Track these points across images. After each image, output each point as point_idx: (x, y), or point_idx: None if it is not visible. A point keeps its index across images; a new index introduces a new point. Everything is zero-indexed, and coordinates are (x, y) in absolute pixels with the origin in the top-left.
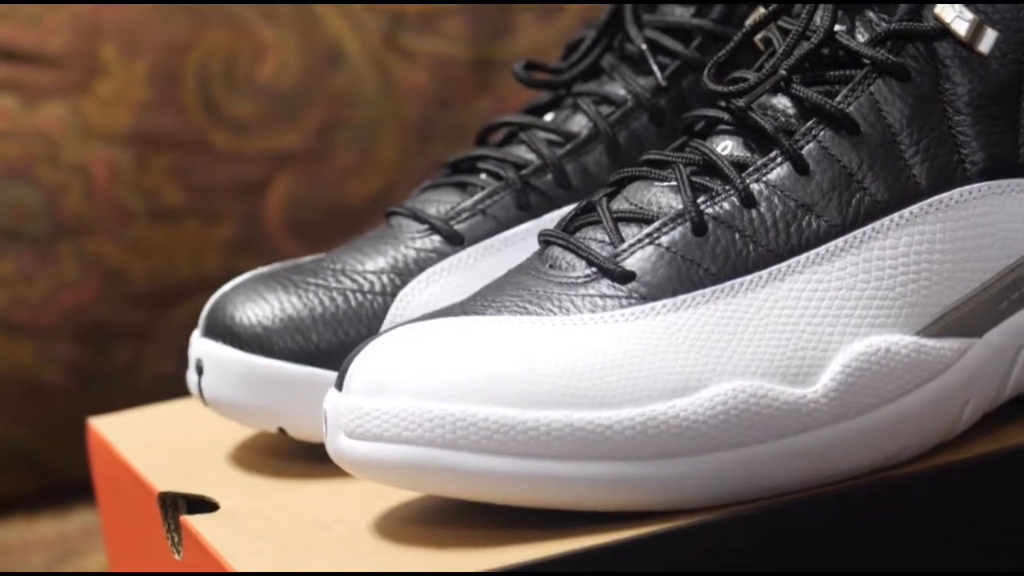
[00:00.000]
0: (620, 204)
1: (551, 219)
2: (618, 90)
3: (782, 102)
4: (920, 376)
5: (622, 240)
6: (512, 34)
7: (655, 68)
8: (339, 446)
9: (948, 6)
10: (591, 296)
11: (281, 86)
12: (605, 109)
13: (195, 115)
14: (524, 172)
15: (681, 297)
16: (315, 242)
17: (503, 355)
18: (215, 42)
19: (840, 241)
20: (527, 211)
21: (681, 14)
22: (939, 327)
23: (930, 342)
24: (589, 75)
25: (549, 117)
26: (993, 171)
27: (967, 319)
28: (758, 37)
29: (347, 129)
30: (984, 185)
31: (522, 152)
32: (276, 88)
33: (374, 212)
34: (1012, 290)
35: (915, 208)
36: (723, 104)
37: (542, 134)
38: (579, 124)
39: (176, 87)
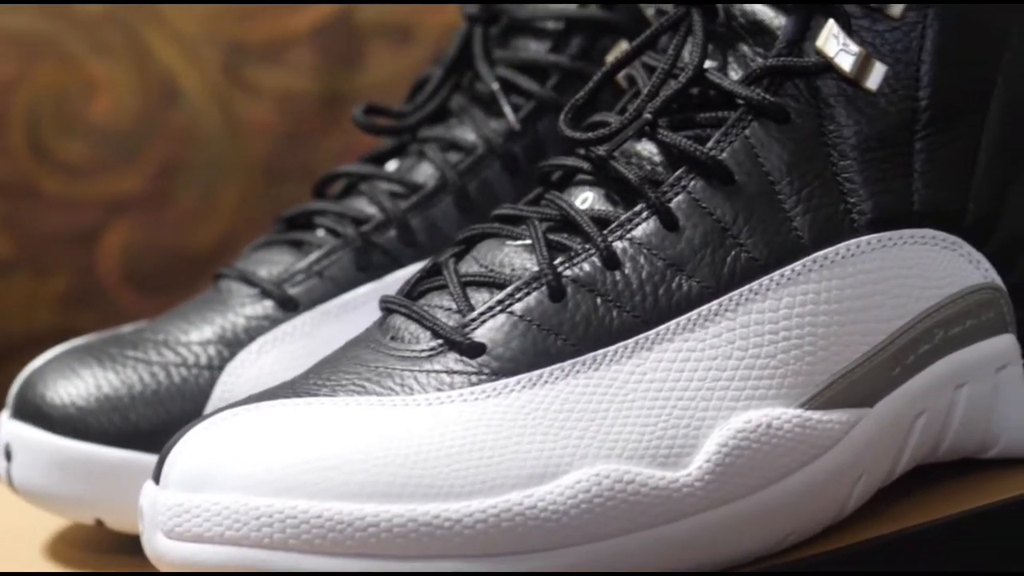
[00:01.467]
0: (469, 266)
1: (395, 280)
2: (467, 135)
3: (647, 149)
4: (806, 453)
5: (471, 308)
6: (363, 65)
7: (508, 110)
8: (156, 547)
9: (831, 38)
10: (437, 372)
11: (115, 126)
12: (453, 156)
13: (23, 159)
14: (365, 228)
15: (538, 372)
16: (155, 293)
17: (338, 442)
18: (43, 79)
19: (714, 305)
20: (368, 272)
21: (536, 50)
22: (826, 398)
23: (816, 415)
24: (436, 118)
25: (392, 166)
26: (884, 221)
27: (857, 388)
28: (620, 75)
29: (187, 171)
30: (874, 237)
31: (363, 206)
32: (110, 128)
33: (218, 259)
34: (906, 353)
35: (797, 265)
36: (582, 152)
37: (385, 185)
38: (425, 174)
39: (1, 129)
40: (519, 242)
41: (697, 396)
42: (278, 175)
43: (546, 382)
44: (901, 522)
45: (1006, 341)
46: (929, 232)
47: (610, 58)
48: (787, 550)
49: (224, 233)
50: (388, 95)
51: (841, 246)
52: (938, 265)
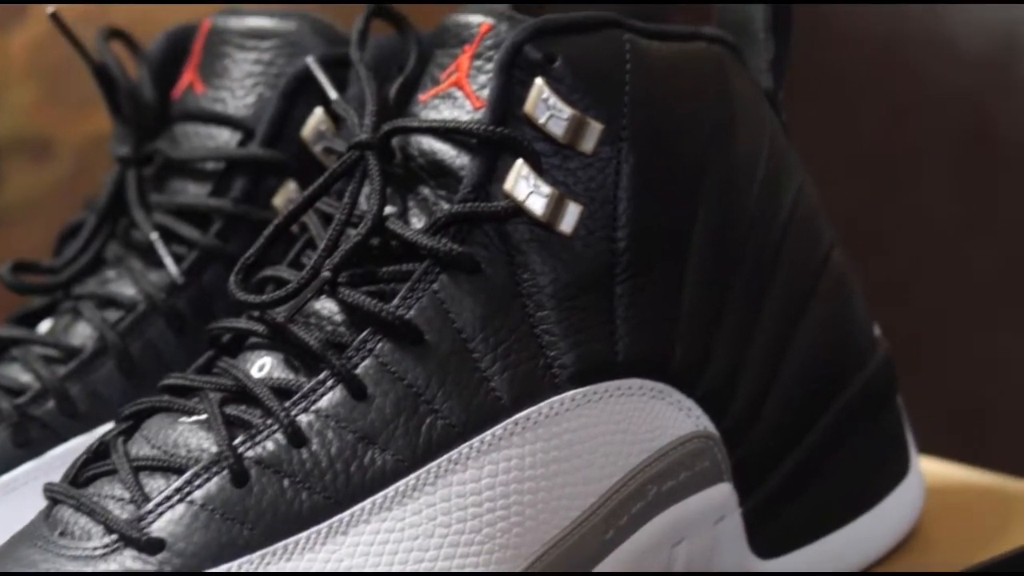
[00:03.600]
0: (140, 447)
1: (58, 457)
2: (126, 289)
3: (328, 307)
4: None
5: (146, 498)
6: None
7: (168, 261)
8: None
9: (520, 180)
10: (114, 574)
11: None
12: (112, 315)
13: None
14: (20, 401)
15: (225, 567)
16: None
17: None
18: None
19: (412, 479)
20: (28, 448)
21: (196, 193)
22: (537, 570)
23: None
24: (91, 271)
25: (46, 327)
26: (587, 374)
27: (569, 556)
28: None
29: None
30: (578, 393)
31: (16, 374)
32: None
33: None
34: (619, 514)
35: (498, 429)
36: (256, 313)
37: (38, 350)
38: (82, 335)
39: None
40: (193, 418)
41: None
42: None
43: None
44: None
45: (722, 491)
46: (636, 382)
47: (278, 200)
48: None
49: None
50: (27, 216)
51: (543, 405)
52: (647, 417)
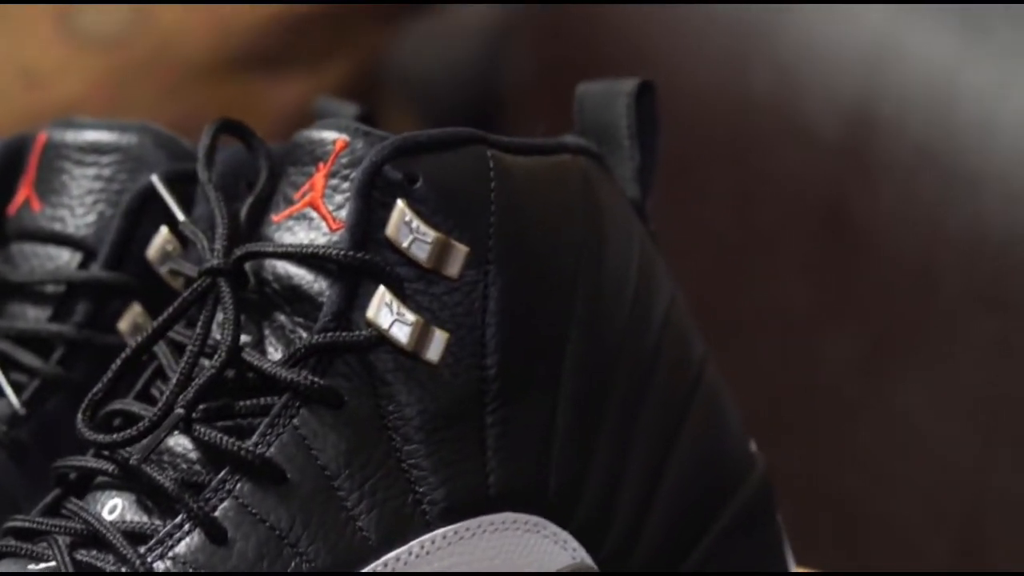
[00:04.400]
0: None
1: None
2: None
3: (183, 445)
4: None
5: None
6: None
7: (9, 391)
8: None
9: (383, 307)
10: None
11: None
12: None
13: None
14: None
15: None
16: None
17: None
18: None
19: None
20: None
21: (36, 318)
22: None
23: None
24: None
25: None
26: (458, 510)
27: None
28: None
29: None
30: (449, 530)
31: None
32: None
33: None
34: None
35: (366, 572)
36: (107, 453)
37: None
38: None
39: None
40: (42, 565)
41: None
42: None
43: None
44: None
45: None
46: (510, 516)
47: (123, 325)
48: None
49: None
50: None
51: (414, 544)
52: (521, 551)
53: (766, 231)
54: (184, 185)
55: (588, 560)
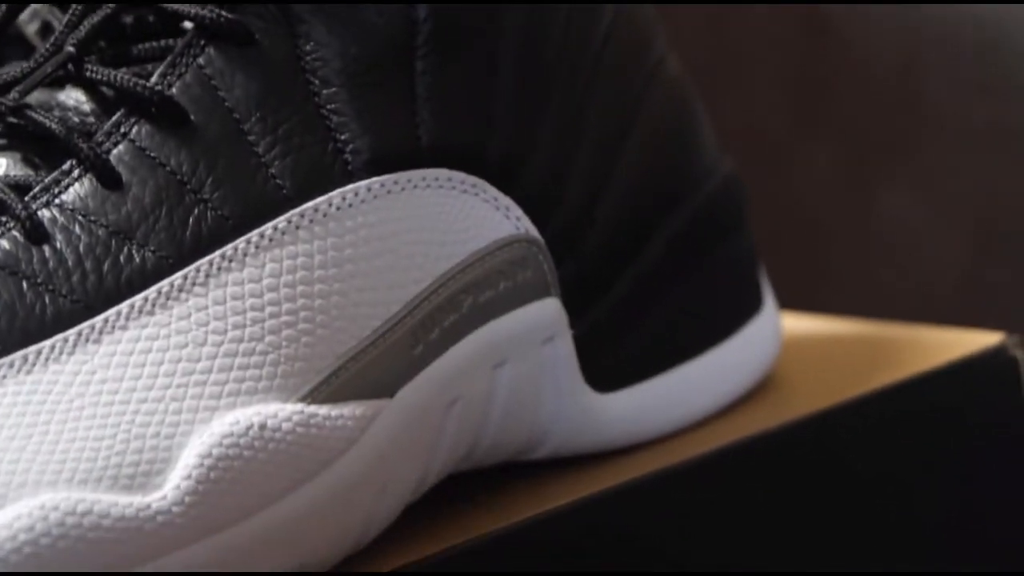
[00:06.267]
0: None
1: None
2: None
3: (74, 97)
4: (313, 460)
5: None
6: None
7: None
8: None
9: None
10: None
11: None
12: None
13: None
14: None
15: None
16: None
17: None
18: None
19: (177, 278)
20: None
21: None
22: (333, 388)
23: (322, 410)
24: None
25: None
26: (385, 162)
27: (371, 374)
28: (32, 27)
29: None
30: (374, 182)
31: None
32: None
33: None
34: (428, 327)
35: (280, 222)
36: None
37: None
38: None
39: None
40: None
41: (165, 396)
42: None
43: None
44: (439, 543)
45: (549, 307)
46: (444, 172)
47: None
48: None
49: None
50: None
51: (334, 195)
52: (458, 214)
53: (739, 46)
54: None
55: (534, 232)
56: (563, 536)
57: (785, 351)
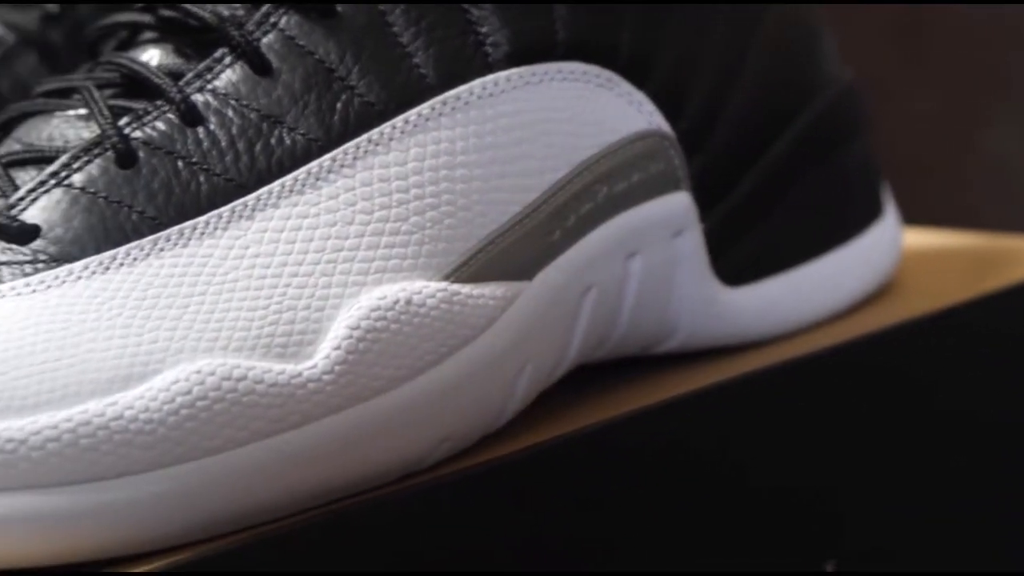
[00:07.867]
0: (10, 147)
1: None
2: None
3: None
4: (456, 336)
5: (15, 187)
6: None
7: None
8: None
9: None
10: None
11: None
12: None
13: None
14: None
15: (110, 253)
16: None
17: None
18: None
19: (326, 160)
20: None
21: None
22: (474, 269)
23: (465, 289)
24: None
25: None
26: (523, 54)
27: (510, 257)
28: None
29: None
30: (513, 73)
31: None
32: None
33: None
34: (565, 215)
35: (424, 109)
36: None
37: None
38: None
39: None
40: (71, 112)
41: (316, 271)
42: None
43: (122, 264)
44: (570, 425)
45: (679, 201)
46: (579, 66)
47: None
48: (441, 463)
49: None
50: None
51: (475, 84)
52: (593, 107)
53: None
54: None
55: (665, 127)
56: (686, 424)
57: (904, 260)
